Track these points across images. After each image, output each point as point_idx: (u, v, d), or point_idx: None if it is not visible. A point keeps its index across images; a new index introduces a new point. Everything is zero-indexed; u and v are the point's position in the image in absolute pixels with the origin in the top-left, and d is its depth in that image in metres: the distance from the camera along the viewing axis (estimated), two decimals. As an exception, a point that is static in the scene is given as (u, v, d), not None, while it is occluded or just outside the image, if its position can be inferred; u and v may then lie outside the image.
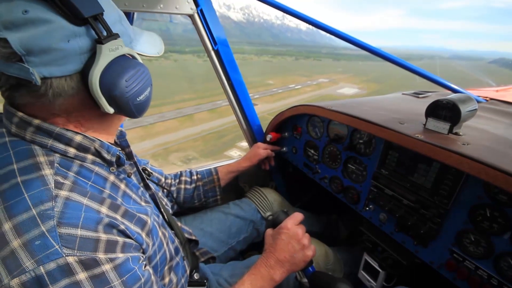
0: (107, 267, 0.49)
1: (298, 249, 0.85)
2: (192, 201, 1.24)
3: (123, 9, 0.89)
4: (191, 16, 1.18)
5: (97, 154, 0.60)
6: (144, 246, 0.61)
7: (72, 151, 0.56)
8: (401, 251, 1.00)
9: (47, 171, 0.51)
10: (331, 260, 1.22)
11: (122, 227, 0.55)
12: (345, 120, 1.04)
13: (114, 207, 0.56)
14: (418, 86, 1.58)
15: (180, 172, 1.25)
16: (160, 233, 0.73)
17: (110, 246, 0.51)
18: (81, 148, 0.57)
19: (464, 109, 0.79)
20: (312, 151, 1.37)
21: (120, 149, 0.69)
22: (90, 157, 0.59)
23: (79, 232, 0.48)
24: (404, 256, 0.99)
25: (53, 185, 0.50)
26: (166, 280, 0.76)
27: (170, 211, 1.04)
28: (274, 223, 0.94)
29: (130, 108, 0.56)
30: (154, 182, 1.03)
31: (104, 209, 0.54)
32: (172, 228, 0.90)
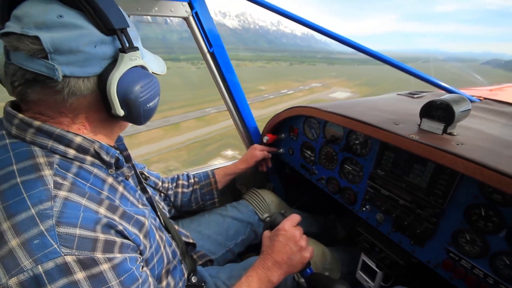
0: (105, 266, 0.50)
1: (296, 251, 0.85)
2: (190, 204, 1.24)
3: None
4: (186, 19, 1.18)
5: (96, 155, 0.61)
6: (141, 248, 0.61)
7: (71, 152, 0.57)
8: (398, 251, 1.00)
9: (47, 172, 0.52)
10: (328, 260, 1.22)
11: (120, 227, 0.55)
12: (341, 121, 1.05)
13: (112, 208, 0.57)
14: (412, 88, 1.60)
15: (177, 175, 1.25)
16: (157, 236, 0.73)
17: (108, 246, 0.52)
18: (80, 149, 0.58)
19: (457, 109, 0.80)
20: (309, 152, 1.37)
21: (118, 152, 0.69)
22: (89, 158, 0.60)
23: (78, 231, 0.48)
24: (401, 256, 0.99)
25: (52, 185, 0.50)
26: (164, 283, 0.76)
27: (167, 215, 1.03)
28: (272, 225, 0.94)
29: (140, 112, 0.60)
30: (151, 186, 1.03)
31: (102, 210, 0.54)
32: (169, 232, 0.89)
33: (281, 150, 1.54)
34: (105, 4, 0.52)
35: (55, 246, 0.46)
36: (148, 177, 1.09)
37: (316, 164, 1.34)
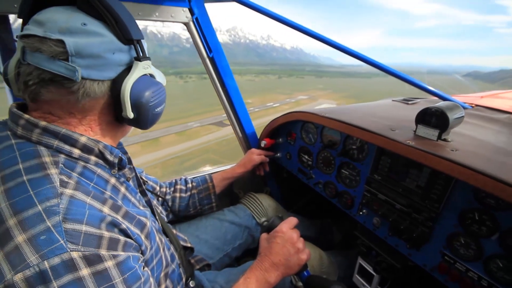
0: (109, 263, 0.51)
1: (293, 253, 0.87)
2: (188, 209, 1.23)
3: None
4: (186, 24, 1.20)
5: (100, 155, 0.62)
6: (143, 248, 0.62)
7: (76, 152, 0.59)
8: (394, 254, 1.02)
9: (53, 171, 0.53)
10: (326, 264, 1.23)
11: (124, 226, 0.57)
12: (338, 126, 1.07)
13: (115, 208, 0.58)
14: (397, 97, 1.64)
15: (175, 180, 1.25)
16: (157, 238, 0.74)
17: (112, 244, 0.53)
18: (85, 149, 0.60)
19: (452, 116, 0.82)
20: (306, 157, 1.39)
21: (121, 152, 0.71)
22: (93, 158, 0.62)
23: (84, 228, 0.49)
24: (398, 259, 1.01)
25: (58, 183, 0.52)
26: (162, 287, 0.76)
27: (165, 220, 1.03)
28: (269, 228, 0.95)
29: (148, 116, 0.64)
30: (149, 191, 1.03)
31: (106, 209, 0.56)
32: (167, 236, 0.89)
33: (278, 154, 1.55)
34: (125, 17, 0.57)
35: (62, 242, 0.46)
36: (146, 181, 1.09)
37: (313, 169, 1.35)
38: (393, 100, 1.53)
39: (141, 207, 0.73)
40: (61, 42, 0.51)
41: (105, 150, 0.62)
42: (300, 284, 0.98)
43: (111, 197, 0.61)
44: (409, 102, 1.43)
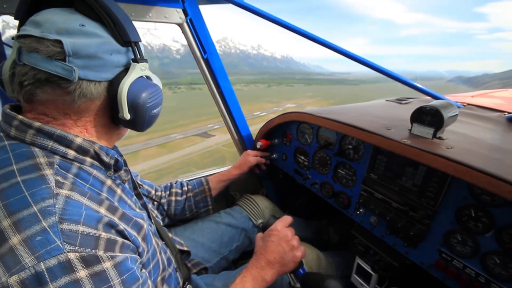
0: (107, 264, 0.49)
1: (288, 250, 0.88)
2: (184, 212, 1.22)
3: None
4: (180, 25, 1.19)
5: (96, 157, 0.62)
6: (140, 250, 0.61)
7: (71, 153, 0.58)
8: (392, 253, 1.02)
9: (48, 171, 0.52)
10: (323, 264, 1.23)
11: (121, 227, 0.56)
12: (334, 126, 1.07)
13: (112, 209, 0.57)
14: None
15: (170, 183, 1.23)
16: (153, 242, 0.73)
17: (110, 245, 0.52)
18: (80, 150, 0.59)
19: (446, 114, 0.83)
20: (302, 157, 1.38)
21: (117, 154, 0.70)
22: (88, 159, 0.61)
23: (81, 228, 0.48)
24: (395, 258, 1.01)
25: (53, 184, 0.51)
26: None
27: (161, 223, 1.02)
28: (264, 227, 0.97)
29: (145, 117, 0.64)
30: (144, 195, 1.01)
31: (102, 210, 0.55)
32: (163, 239, 0.88)
33: (274, 155, 1.55)
34: (123, 19, 0.58)
35: (58, 242, 0.45)
36: (141, 185, 1.07)
37: (309, 169, 1.35)
38: (386, 100, 1.55)
39: (138, 210, 0.72)
40: (59, 42, 0.51)
41: (101, 151, 0.62)
42: (298, 285, 0.97)
43: (108, 199, 0.60)
44: (403, 102, 1.45)
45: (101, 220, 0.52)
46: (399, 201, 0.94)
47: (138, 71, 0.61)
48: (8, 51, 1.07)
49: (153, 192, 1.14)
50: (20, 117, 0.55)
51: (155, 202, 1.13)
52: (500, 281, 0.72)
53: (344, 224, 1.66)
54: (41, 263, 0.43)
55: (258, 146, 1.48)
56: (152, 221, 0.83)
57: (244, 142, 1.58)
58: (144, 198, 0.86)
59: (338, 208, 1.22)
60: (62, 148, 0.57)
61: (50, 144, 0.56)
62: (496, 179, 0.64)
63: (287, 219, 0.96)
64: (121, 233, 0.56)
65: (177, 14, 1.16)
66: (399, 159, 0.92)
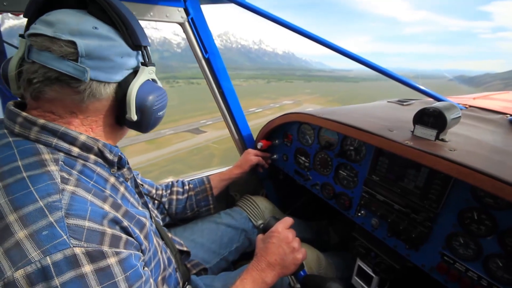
0: (112, 260, 0.50)
1: (288, 252, 0.87)
2: (185, 211, 1.21)
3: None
4: (181, 25, 1.18)
5: (100, 154, 0.62)
6: (143, 247, 0.62)
7: (75, 150, 0.58)
8: (393, 255, 1.01)
9: (53, 167, 0.53)
10: (323, 265, 1.23)
11: (125, 224, 0.56)
12: (335, 127, 1.06)
13: (115, 206, 0.58)
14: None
15: (172, 182, 1.23)
16: (155, 241, 0.73)
17: (115, 241, 0.52)
18: (84, 147, 0.60)
19: (449, 116, 0.83)
20: (303, 158, 1.38)
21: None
22: (92, 157, 0.61)
23: (87, 223, 0.49)
24: (397, 260, 1.00)
25: (59, 179, 0.51)
26: None
27: (161, 223, 1.01)
28: (265, 228, 0.96)
29: (151, 118, 0.66)
30: (145, 194, 1.01)
31: (107, 207, 0.55)
32: (163, 239, 0.88)
33: (275, 156, 1.54)
34: (135, 24, 0.60)
35: (65, 237, 0.46)
36: (142, 184, 1.07)
37: (310, 170, 1.34)
38: (388, 102, 1.54)
39: (140, 208, 0.73)
40: (72, 43, 0.52)
41: (105, 149, 0.63)
42: (298, 286, 0.97)
43: (111, 196, 0.60)
44: (404, 104, 1.44)
45: (106, 216, 0.53)
46: (401, 203, 0.93)
47: (146, 74, 0.64)
48: (9, 49, 1.06)
49: (153, 191, 1.13)
50: (24, 114, 0.56)
51: (156, 201, 1.12)
52: (503, 284, 0.72)
53: (345, 225, 1.65)
54: (47, 258, 0.44)
55: (258, 147, 1.48)
56: (153, 220, 0.83)
57: (244, 142, 1.58)
58: (145, 197, 0.86)
59: (339, 209, 1.21)
60: (66, 145, 0.57)
61: (55, 141, 0.56)
62: (500, 182, 0.63)
63: (287, 220, 0.96)
64: (125, 230, 0.56)
65: (178, 13, 1.15)
66: (401, 161, 0.91)
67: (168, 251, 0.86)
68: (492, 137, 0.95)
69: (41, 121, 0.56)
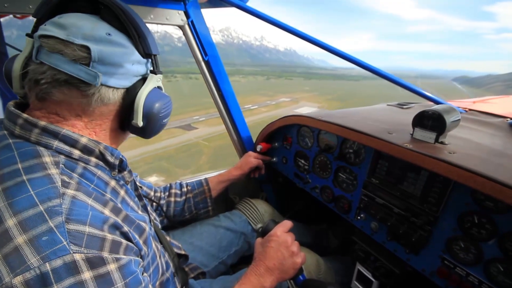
0: (112, 266, 0.49)
1: (287, 256, 0.86)
2: (183, 214, 1.21)
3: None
4: (181, 27, 1.19)
5: (101, 157, 0.62)
6: (142, 253, 0.61)
7: (76, 152, 0.58)
8: (393, 259, 1.00)
9: (53, 171, 0.52)
10: (323, 270, 1.21)
11: (125, 229, 0.56)
12: (335, 130, 1.06)
13: (116, 211, 0.57)
14: (382, 101, 1.64)
15: (170, 184, 1.22)
16: (153, 245, 0.72)
17: (115, 247, 0.51)
18: (85, 150, 0.59)
19: (449, 119, 0.82)
20: (303, 161, 1.37)
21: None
22: (93, 160, 0.61)
23: (87, 229, 0.48)
24: (397, 264, 0.99)
25: (60, 183, 0.50)
26: None
27: (159, 226, 1.00)
28: (264, 232, 0.95)
29: (156, 125, 0.67)
30: (144, 196, 1.01)
31: (107, 211, 0.55)
32: (161, 242, 0.87)
33: (274, 159, 1.54)
34: (147, 32, 0.62)
35: (65, 243, 0.45)
36: (141, 186, 1.06)
37: (310, 173, 1.34)
38: (387, 105, 1.54)
39: (140, 212, 0.72)
40: (86, 47, 0.52)
41: (106, 151, 0.62)
42: None
43: (111, 200, 0.60)
44: (404, 107, 1.44)
45: (107, 221, 0.52)
46: (400, 206, 0.92)
47: (154, 82, 0.65)
48: (10, 50, 1.07)
49: (152, 193, 1.13)
50: (24, 115, 0.55)
51: (154, 204, 1.12)
52: None
53: (344, 229, 1.64)
54: (47, 264, 0.43)
55: (258, 149, 1.47)
56: (152, 224, 0.82)
57: (244, 144, 1.57)
58: (144, 200, 0.86)
59: (338, 213, 1.21)
60: (67, 148, 0.57)
61: (55, 143, 0.56)
62: (500, 185, 0.62)
63: (287, 224, 0.95)
64: (125, 235, 0.56)
65: (178, 16, 1.16)
66: (401, 164, 0.91)
67: (166, 255, 0.85)
68: (492, 140, 0.95)
69: (42, 123, 0.55)
